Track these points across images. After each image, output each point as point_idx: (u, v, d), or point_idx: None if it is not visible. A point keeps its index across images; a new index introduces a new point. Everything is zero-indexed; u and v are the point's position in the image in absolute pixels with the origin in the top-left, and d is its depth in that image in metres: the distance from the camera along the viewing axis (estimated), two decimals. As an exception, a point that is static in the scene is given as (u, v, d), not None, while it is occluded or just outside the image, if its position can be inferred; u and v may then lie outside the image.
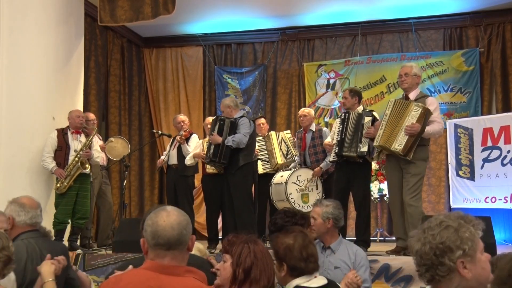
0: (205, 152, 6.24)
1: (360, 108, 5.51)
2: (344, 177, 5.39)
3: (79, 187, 5.70)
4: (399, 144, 4.77)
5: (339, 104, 8.23)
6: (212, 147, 5.61)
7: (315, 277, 2.45)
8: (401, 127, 4.78)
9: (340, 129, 5.37)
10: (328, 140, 5.68)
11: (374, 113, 5.42)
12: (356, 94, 5.53)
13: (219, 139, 5.52)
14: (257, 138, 6.71)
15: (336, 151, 5.33)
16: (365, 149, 5.19)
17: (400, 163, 4.93)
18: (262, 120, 6.89)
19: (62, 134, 5.72)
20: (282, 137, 6.79)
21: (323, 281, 2.47)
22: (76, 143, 5.76)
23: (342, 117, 5.45)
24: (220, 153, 5.49)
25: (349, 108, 5.48)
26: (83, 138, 5.83)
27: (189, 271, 1.89)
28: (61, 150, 5.67)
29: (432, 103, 4.90)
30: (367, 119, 5.26)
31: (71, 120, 5.78)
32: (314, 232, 3.39)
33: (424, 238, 1.63)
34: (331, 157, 5.53)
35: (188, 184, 6.56)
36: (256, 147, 6.53)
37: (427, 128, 4.79)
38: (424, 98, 4.95)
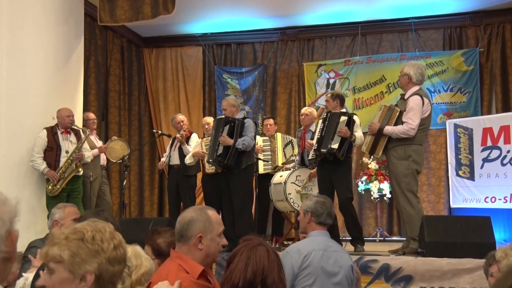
0: (204, 151, 6.25)
1: (342, 111, 5.59)
2: (327, 178, 5.43)
3: (70, 188, 5.63)
4: (365, 143, 4.99)
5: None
6: (221, 148, 5.51)
7: None
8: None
9: (321, 127, 5.46)
10: (310, 141, 5.75)
11: (355, 117, 5.47)
12: (337, 97, 5.60)
13: (230, 141, 5.45)
14: (263, 138, 6.76)
15: (315, 147, 5.40)
16: (335, 146, 5.22)
17: (388, 165, 4.99)
18: (271, 121, 6.89)
19: (52, 134, 5.59)
20: (291, 141, 6.79)
21: None
22: (66, 143, 5.64)
23: (324, 116, 5.55)
24: (229, 155, 5.44)
25: (330, 110, 5.55)
26: (73, 138, 5.72)
27: (180, 257, 2.21)
28: (52, 151, 5.55)
29: (409, 103, 4.83)
30: (343, 118, 5.33)
31: (61, 119, 5.63)
32: (301, 228, 3.37)
33: None
34: (310, 155, 5.61)
35: (191, 184, 6.58)
36: (262, 146, 6.58)
37: (387, 127, 4.81)
38: (410, 97, 4.89)
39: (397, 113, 4.83)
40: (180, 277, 2.04)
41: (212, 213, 2.32)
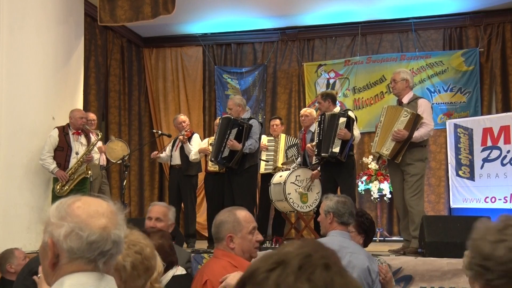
0: (211, 149, 6.26)
1: (337, 109, 5.58)
2: (331, 178, 5.44)
3: (77, 189, 5.63)
4: (386, 149, 4.93)
5: (339, 104, 8.23)
6: (227, 150, 5.50)
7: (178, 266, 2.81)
8: (390, 132, 4.91)
9: (318, 131, 5.46)
10: (310, 145, 5.75)
11: (350, 113, 5.45)
12: (328, 96, 5.60)
13: (238, 147, 5.43)
14: (268, 138, 6.76)
15: (316, 153, 5.42)
16: (336, 150, 5.23)
17: (400, 165, 4.96)
18: (277, 121, 6.88)
19: (63, 134, 5.62)
20: (296, 143, 6.79)
21: (183, 271, 2.84)
22: (77, 144, 5.69)
23: (319, 120, 5.54)
24: (235, 159, 5.44)
25: (324, 112, 5.55)
26: (83, 139, 5.77)
27: (226, 255, 2.36)
28: (62, 151, 5.59)
29: (421, 105, 4.94)
30: (342, 120, 5.31)
31: (73, 120, 5.69)
32: (323, 228, 3.32)
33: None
34: (313, 160, 5.65)
35: (192, 184, 6.56)
36: (267, 145, 6.59)
37: (415, 134, 4.84)
38: (416, 101, 4.99)
39: (421, 120, 4.88)
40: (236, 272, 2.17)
41: (240, 212, 2.46)
